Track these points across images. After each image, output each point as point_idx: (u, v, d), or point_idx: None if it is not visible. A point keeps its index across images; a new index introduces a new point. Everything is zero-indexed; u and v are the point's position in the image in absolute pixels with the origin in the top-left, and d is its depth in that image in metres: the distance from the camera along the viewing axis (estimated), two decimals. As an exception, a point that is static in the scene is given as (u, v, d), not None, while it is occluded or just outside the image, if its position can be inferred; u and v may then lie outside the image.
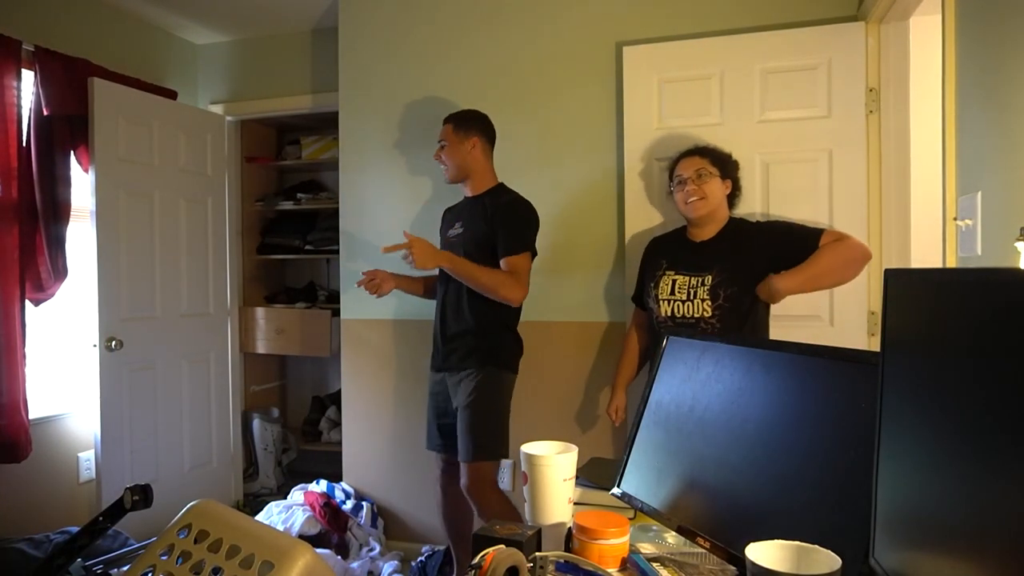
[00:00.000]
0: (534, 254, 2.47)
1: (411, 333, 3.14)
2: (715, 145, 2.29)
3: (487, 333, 2.43)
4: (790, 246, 2.07)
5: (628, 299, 2.76)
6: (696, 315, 2.11)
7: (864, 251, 2.05)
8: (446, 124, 2.55)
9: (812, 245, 2.04)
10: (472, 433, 2.36)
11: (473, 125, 2.52)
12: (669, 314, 2.16)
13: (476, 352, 2.42)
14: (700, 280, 2.12)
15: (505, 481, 3.01)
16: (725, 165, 2.20)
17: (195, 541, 0.98)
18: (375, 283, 2.52)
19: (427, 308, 3.09)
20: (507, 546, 1.00)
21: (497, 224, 2.40)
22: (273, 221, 4.29)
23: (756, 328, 2.13)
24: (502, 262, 2.38)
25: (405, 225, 3.14)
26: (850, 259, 2.03)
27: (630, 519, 1.26)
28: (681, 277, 2.16)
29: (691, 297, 2.12)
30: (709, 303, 2.08)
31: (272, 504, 3.13)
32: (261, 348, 3.98)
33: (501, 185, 2.56)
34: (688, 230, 2.26)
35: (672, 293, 2.16)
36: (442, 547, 2.89)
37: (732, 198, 2.25)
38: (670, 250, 2.27)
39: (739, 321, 2.08)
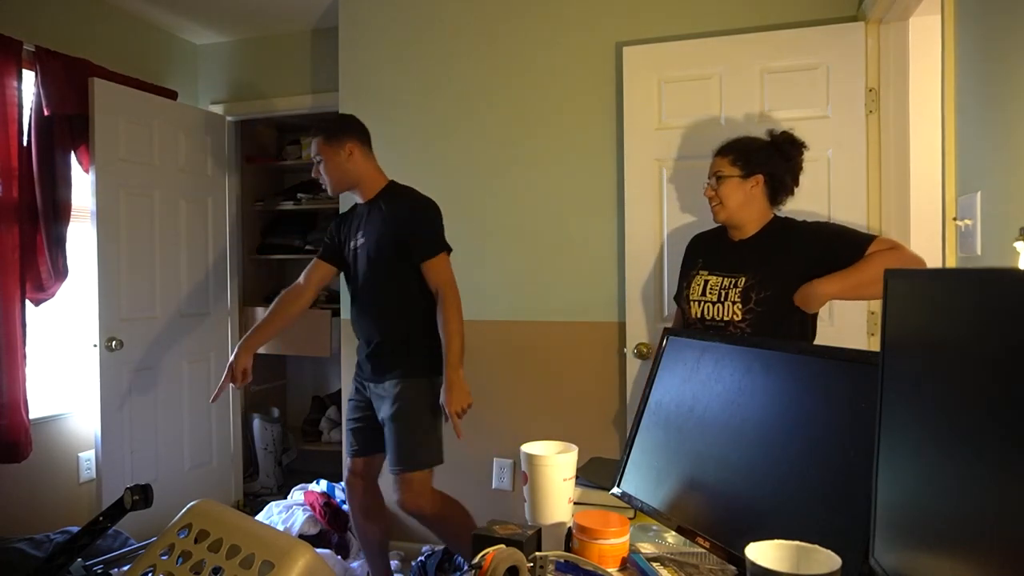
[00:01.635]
0: (449, 250, 2.40)
1: (411, 333, 3.14)
2: (749, 136, 2.08)
3: (407, 340, 2.38)
4: (836, 251, 1.89)
5: (627, 299, 2.77)
6: (726, 318, 1.95)
7: (919, 263, 1.85)
8: (315, 139, 2.40)
9: (860, 252, 1.86)
10: (404, 444, 2.31)
11: (343, 132, 2.39)
12: (699, 316, 2.02)
13: (399, 361, 2.36)
14: (733, 281, 1.96)
15: (505, 481, 3.01)
16: (749, 160, 1.99)
17: (195, 541, 0.98)
18: (233, 380, 2.47)
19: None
20: (507, 546, 1.00)
21: (407, 229, 2.33)
22: (273, 221, 4.29)
23: (794, 336, 1.95)
24: (424, 267, 2.33)
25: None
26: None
27: (630, 519, 1.26)
28: (714, 278, 2.01)
29: (722, 299, 1.96)
30: (740, 306, 1.93)
31: (272, 504, 3.13)
32: (261, 348, 3.97)
33: (392, 183, 2.46)
34: (728, 228, 2.09)
35: (703, 294, 2.01)
36: (441, 547, 2.89)
37: (775, 192, 2.03)
38: (707, 248, 2.12)
39: (772, 327, 1.90)
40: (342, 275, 2.59)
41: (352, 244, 2.45)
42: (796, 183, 2.06)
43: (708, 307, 2.00)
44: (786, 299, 1.91)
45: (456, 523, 2.43)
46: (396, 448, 2.34)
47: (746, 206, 2.00)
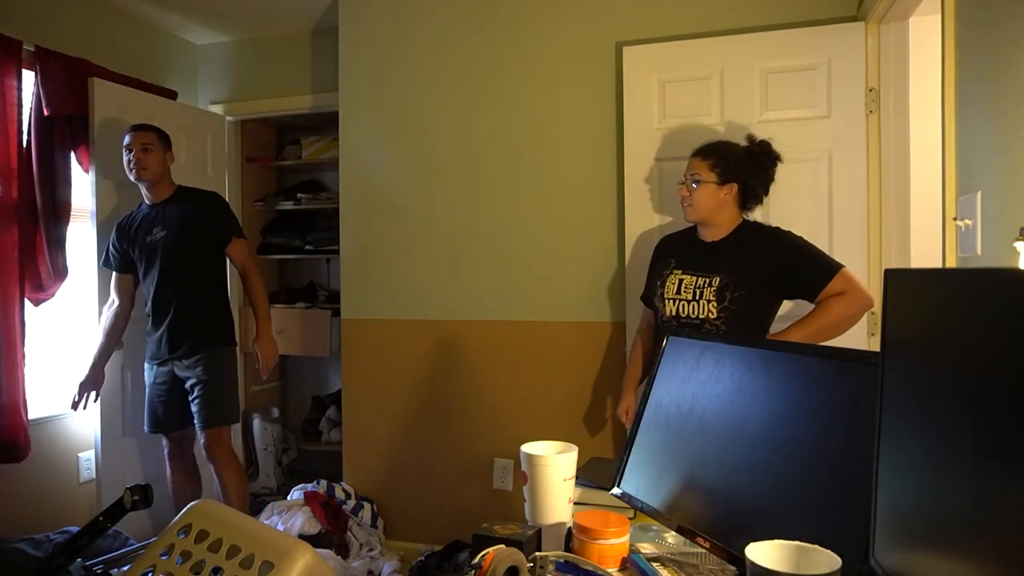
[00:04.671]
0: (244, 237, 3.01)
1: (411, 333, 3.14)
2: (729, 143, 2.16)
3: (208, 317, 2.87)
4: (802, 271, 2.02)
5: (627, 299, 2.77)
6: (701, 316, 2.05)
7: (869, 303, 2.00)
8: (148, 132, 2.82)
9: (822, 281, 1.98)
10: (213, 404, 2.80)
11: (169, 143, 2.90)
12: (674, 313, 2.10)
13: (204, 336, 2.83)
14: (707, 281, 2.05)
15: (505, 481, 3.01)
16: (727, 168, 2.07)
17: (195, 541, 0.98)
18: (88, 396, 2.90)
19: (427, 308, 3.10)
20: (507, 546, 1.00)
21: (213, 213, 2.88)
22: (273, 221, 4.29)
23: (764, 333, 2.08)
24: (232, 247, 2.90)
25: (404, 224, 3.14)
26: (856, 314, 1.99)
27: (630, 519, 1.26)
28: (688, 277, 2.10)
29: (696, 297, 2.06)
30: (715, 304, 2.02)
31: (272, 504, 3.13)
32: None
33: (181, 186, 2.93)
34: (699, 229, 2.18)
35: (678, 292, 2.10)
36: (441, 547, 2.89)
37: (746, 200, 2.12)
38: (679, 249, 2.20)
39: (745, 324, 2.01)
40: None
41: (148, 239, 2.82)
42: (767, 193, 2.17)
43: (683, 305, 2.09)
44: (757, 298, 2.03)
45: (239, 478, 2.92)
46: (208, 408, 2.80)
47: (716, 211, 2.10)
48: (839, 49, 2.49)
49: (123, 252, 2.89)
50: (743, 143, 2.15)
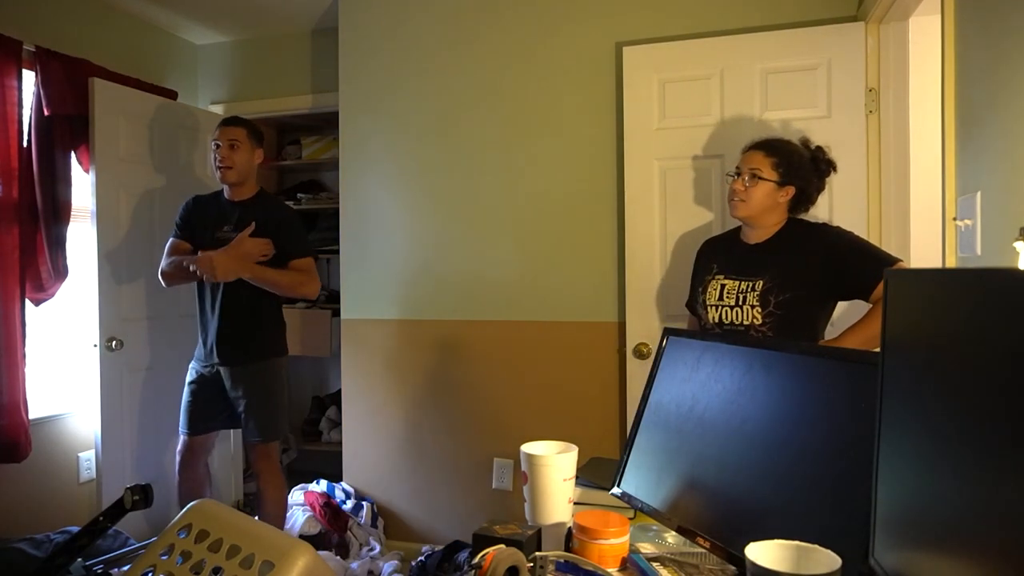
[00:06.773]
0: (315, 256, 2.84)
1: (411, 333, 3.14)
2: (792, 142, 2.03)
3: (264, 326, 2.72)
4: (852, 268, 1.87)
5: (627, 299, 2.77)
6: (745, 322, 1.93)
7: None
8: (237, 127, 2.69)
9: (875, 277, 1.82)
10: (267, 418, 2.68)
11: (260, 139, 2.78)
12: (717, 320, 1.98)
13: (257, 344, 2.70)
14: (750, 285, 1.93)
15: (505, 481, 3.01)
16: (790, 170, 1.94)
17: (195, 541, 0.98)
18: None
19: (427, 308, 3.11)
20: (507, 546, 1.00)
21: (281, 232, 2.68)
22: (273, 221, 4.28)
23: (815, 339, 1.95)
24: (294, 264, 2.68)
25: (404, 224, 3.14)
26: None
27: (630, 519, 1.26)
28: (730, 281, 1.98)
29: (740, 303, 1.93)
30: (759, 310, 1.90)
31: (272, 504, 3.13)
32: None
33: (263, 190, 2.82)
34: (742, 230, 2.06)
35: (720, 298, 1.98)
36: (441, 547, 2.89)
37: (797, 204, 2.01)
38: (722, 252, 2.09)
39: (793, 330, 1.88)
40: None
41: (217, 235, 2.69)
42: (814, 203, 2.06)
43: (726, 312, 1.97)
44: (805, 301, 1.90)
45: (281, 493, 2.80)
46: (260, 421, 2.68)
47: (768, 211, 1.99)
48: (839, 49, 2.49)
49: (189, 225, 2.77)
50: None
